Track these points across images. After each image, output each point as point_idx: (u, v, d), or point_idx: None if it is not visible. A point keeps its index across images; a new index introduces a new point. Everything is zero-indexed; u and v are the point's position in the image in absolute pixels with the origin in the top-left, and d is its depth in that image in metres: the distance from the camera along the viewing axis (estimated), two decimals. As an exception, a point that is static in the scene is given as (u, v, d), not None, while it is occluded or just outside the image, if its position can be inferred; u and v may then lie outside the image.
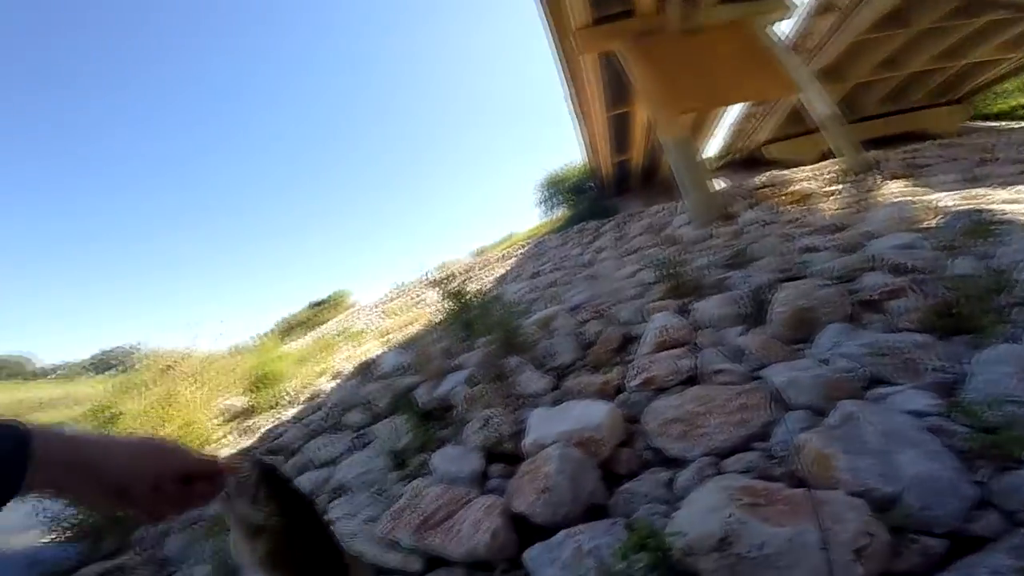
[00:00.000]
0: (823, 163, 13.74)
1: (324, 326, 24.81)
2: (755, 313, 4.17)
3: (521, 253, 18.96)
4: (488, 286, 13.13)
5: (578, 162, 25.04)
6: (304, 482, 4.70)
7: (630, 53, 11.87)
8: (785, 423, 2.40)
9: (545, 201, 24.34)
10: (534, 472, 2.53)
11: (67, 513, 5.34)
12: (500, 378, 4.83)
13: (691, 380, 3.38)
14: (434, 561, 2.36)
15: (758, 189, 12.09)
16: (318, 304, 35.65)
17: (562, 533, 2.08)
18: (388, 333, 12.86)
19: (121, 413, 7.32)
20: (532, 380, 4.54)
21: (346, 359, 11.53)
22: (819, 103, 12.20)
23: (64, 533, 5.42)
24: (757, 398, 2.72)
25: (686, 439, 2.62)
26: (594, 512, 2.35)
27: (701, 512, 1.80)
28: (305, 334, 24.12)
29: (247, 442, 7.89)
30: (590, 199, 23.65)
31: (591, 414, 3.01)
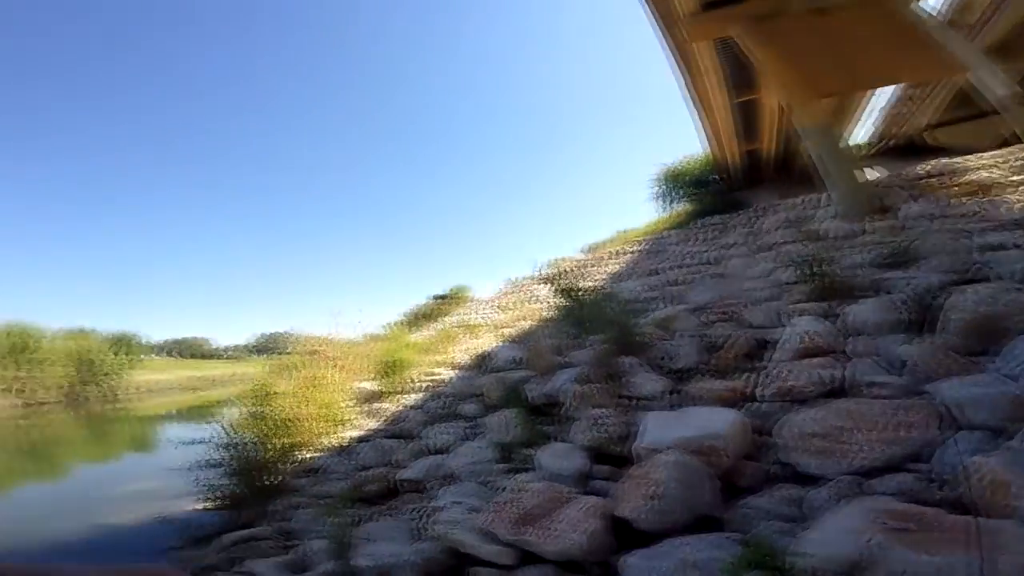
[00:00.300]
0: (1004, 149, 11.52)
1: (446, 318, 26.38)
2: (920, 320, 3.66)
3: (636, 250, 18.26)
4: (601, 283, 12.81)
5: (698, 153, 23.18)
6: (419, 468, 5.05)
7: (751, 37, 10.80)
8: (955, 444, 2.04)
9: (662, 196, 22.90)
10: (643, 477, 2.45)
11: (220, 483, 6.40)
12: (612, 378, 4.71)
13: (836, 392, 3.06)
14: (527, 557, 2.39)
15: (921, 179, 10.60)
16: (440, 297, 37.94)
17: (667, 542, 1.98)
18: (502, 327, 13.18)
19: (276, 392, 8.45)
20: (647, 382, 4.36)
21: (464, 351, 12.11)
22: (995, 83, 10.09)
23: (213, 502, 6.51)
24: (920, 415, 2.42)
25: (826, 455, 2.40)
26: (706, 524, 2.21)
27: (836, 533, 1.65)
28: (428, 325, 25.88)
29: (374, 424, 8.75)
30: (715, 192, 21.65)
31: (714, 422, 2.87)
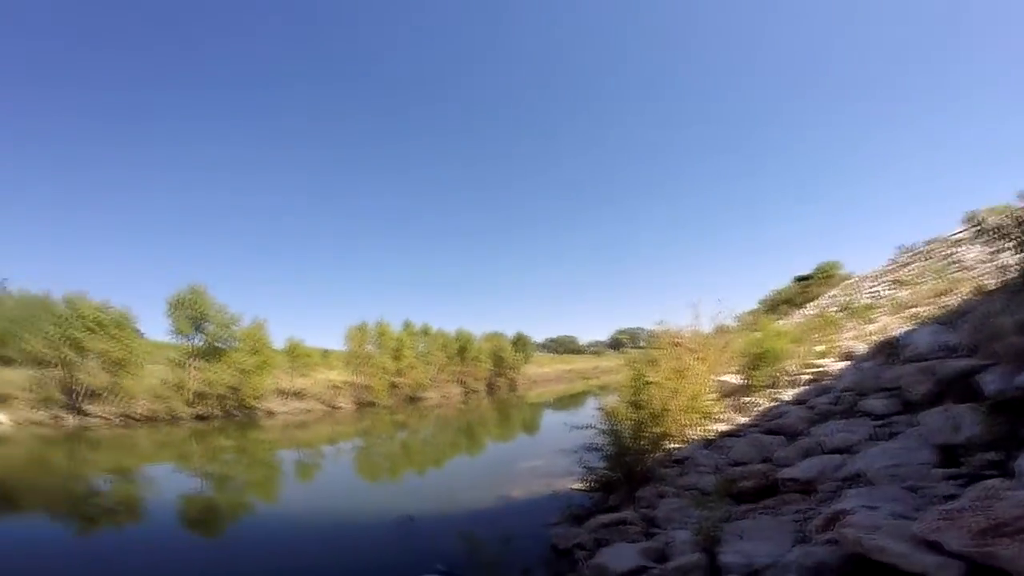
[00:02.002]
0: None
1: (815, 302, 22.78)
2: None
3: None
4: None
5: None
6: (809, 467, 4.43)
7: None
8: None
9: None
10: None
11: (596, 467, 7.20)
12: None
13: None
14: (980, 572, 1.83)
15: None
16: (804, 278, 32.97)
17: None
18: (908, 307, 10.40)
19: (649, 381, 9.05)
20: None
21: (854, 338, 10.13)
22: None
23: (588, 483, 7.35)
24: None
25: None
26: None
27: None
28: (793, 312, 22.95)
29: (743, 419, 8.26)
30: None
31: None
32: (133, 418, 24.98)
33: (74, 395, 24.09)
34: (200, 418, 26.73)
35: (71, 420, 23.26)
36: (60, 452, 15.66)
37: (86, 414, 23.95)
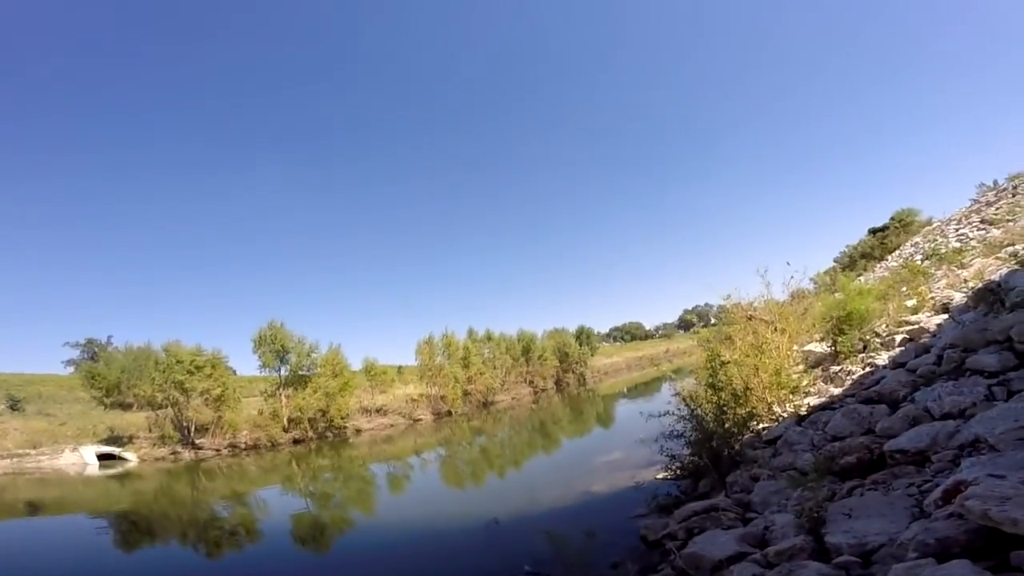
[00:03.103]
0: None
1: (896, 252, 20.96)
2: None
3: None
4: None
5: None
6: (918, 436, 4.04)
7: None
8: None
9: None
10: None
11: (680, 454, 6.94)
12: None
13: None
14: None
15: None
16: (879, 230, 30.38)
17: None
18: (1005, 244, 9.34)
19: (726, 361, 8.63)
20: None
21: (947, 286, 9.22)
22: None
23: (674, 472, 7.10)
24: None
25: None
26: None
27: None
28: (872, 266, 21.22)
29: (836, 389, 7.71)
30: None
31: None
32: (238, 447, 27.25)
33: (185, 431, 26.84)
34: (296, 441, 28.56)
35: (186, 454, 25.84)
36: (182, 483, 17.29)
37: (198, 447, 26.51)
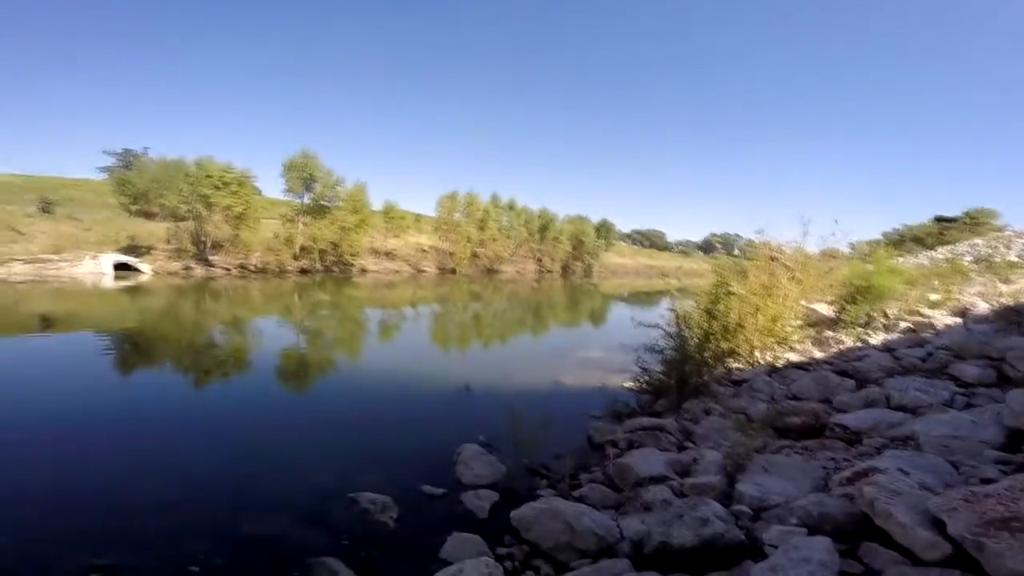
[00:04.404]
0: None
1: (950, 247, 20.16)
2: None
3: None
4: None
5: None
6: (865, 418, 4.30)
7: None
8: None
9: None
10: None
11: (651, 369, 7.27)
12: None
13: None
14: (959, 561, 1.89)
15: None
16: (947, 220, 29.01)
17: None
18: None
19: (731, 292, 8.71)
20: None
21: (979, 295, 9.05)
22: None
23: (639, 384, 7.48)
24: None
25: None
26: None
27: None
28: (919, 252, 20.56)
29: (819, 353, 7.95)
30: None
31: None
32: (249, 269, 28.72)
33: (202, 245, 28.10)
34: (303, 271, 30.06)
35: (199, 270, 27.36)
36: (188, 303, 18.53)
37: (211, 265, 27.98)
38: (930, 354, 6.28)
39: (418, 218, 45.57)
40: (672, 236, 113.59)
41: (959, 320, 7.60)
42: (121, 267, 25.49)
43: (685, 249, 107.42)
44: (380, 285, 27.79)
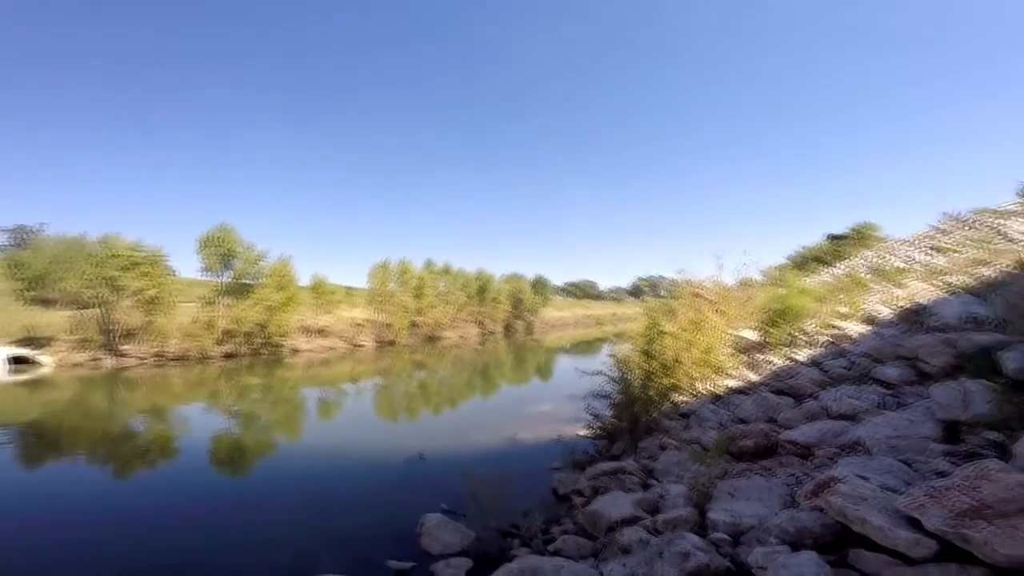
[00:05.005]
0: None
1: (846, 261, 22.27)
2: None
3: None
4: None
5: None
6: (811, 431, 4.45)
7: None
8: None
9: None
10: None
11: (602, 414, 7.32)
12: None
13: None
14: (952, 553, 1.90)
15: None
16: (837, 237, 32.17)
17: None
18: (943, 274, 10.05)
19: (663, 332, 9.04)
20: None
21: (880, 301, 9.89)
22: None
23: (594, 430, 7.51)
24: None
25: None
26: None
27: None
28: (821, 270, 22.52)
29: (755, 377, 8.27)
30: None
31: None
32: (166, 357, 26.28)
33: (111, 335, 25.37)
34: (228, 356, 28.01)
35: (108, 361, 24.56)
36: (99, 393, 16.61)
37: (122, 354, 25.26)
38: (853, 363, 6.67)
39: (350, 291, 44.30)
40: (604, 284, 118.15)
41: (870, 327, 8.19)
42: (18, 360, 22.68)
43: (617, 296, 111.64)
44: (315, 364, 26.40)
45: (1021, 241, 10.88)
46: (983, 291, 7.09)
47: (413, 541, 4.46)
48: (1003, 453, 2.55)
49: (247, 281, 31.55)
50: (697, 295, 11.27)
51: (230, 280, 31.44)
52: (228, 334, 29.37)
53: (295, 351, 31.75)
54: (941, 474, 2.57)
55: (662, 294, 14.25)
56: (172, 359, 26.37)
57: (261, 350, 30.06)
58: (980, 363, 4.23)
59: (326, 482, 6.91)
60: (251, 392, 17.58)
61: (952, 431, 3.19)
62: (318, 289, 37.34)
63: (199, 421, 12.53)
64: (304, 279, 35.97)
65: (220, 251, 30.48)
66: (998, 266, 8.57)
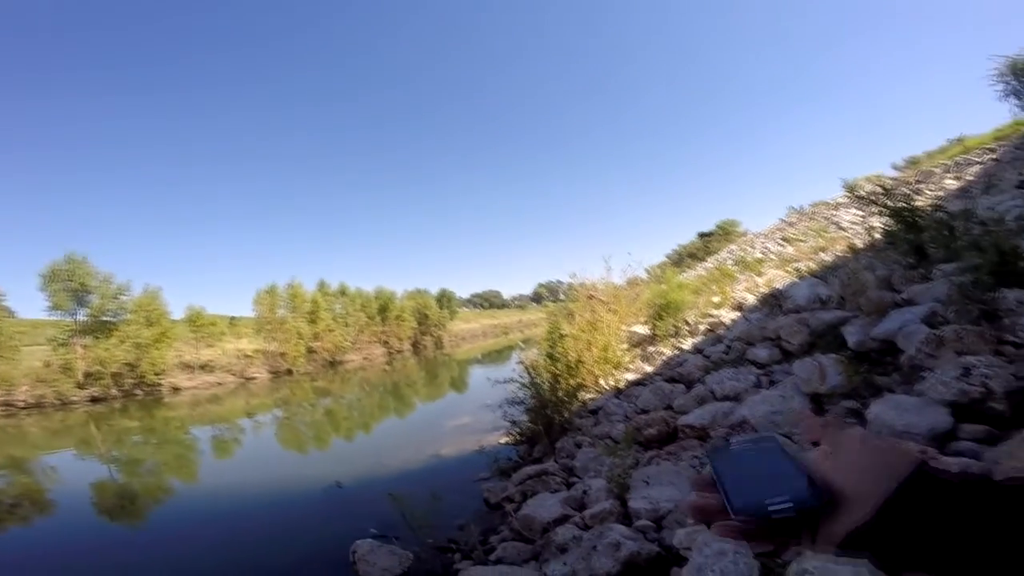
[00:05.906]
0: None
1: (715, 256, 24.90)
2: None
3: (989, 159, 14.55)
4: (942, 202, 10.23)
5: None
6: (703, 415, 4.95)
7: None
8: None
9: (1017, 92, 16.44)
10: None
11: (519, 420, 7.54)
12: (988, 317, 3.60)
13: None
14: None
15: None
16: (706, 235, 35.95)
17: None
18: (792, 262, 11.68)
19: (564, 335, 9.45)
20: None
21: (745, 289, 11.20)
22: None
23: (514, 437, 7.72)
24: None
25: None
26: None
27: None
28: (696, 265, 24.93)
29: (650, 368, 8.97)
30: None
31: None
32: (16, 406, 22.45)
33: None
34: (96, 399, 24.49)
35: None
36: None
37: None
38: (729, 347, 7.46)
39: (233, 321, 40.73)
40: (507, 292, 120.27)
41: (739, 313, 9.24)
42: None
43: (521, 303, 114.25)
44: (201, 401, 23.90)
45: (850, 229, 12.89)
46: (824, 274, 8.32)
47: (348, 570, 4.26)
48: (860, 419, 3.06)
49: (108, 318, 27.82)
50: (591, 296, 11.99)
51: (87, 318, 27.50)
52: (91, 376, 25.68)
53: (176, 390, 28.57)
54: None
55: (561, 298, 14.89)
56: (24, 407, 22.58)
57: (134, 391, 26.64)
58: (829, 339, 4.97)
59: (238, 519, 6.39)
60: (130, 435, 15.56)
61: (818, 402, 3.75)
62: (196, 321, 33.73)
63: (73, 470, 10.90)
64: (177, 312, 32.43)
65: (71, 285, 26.53)
66: (833, 251, 10.09)
